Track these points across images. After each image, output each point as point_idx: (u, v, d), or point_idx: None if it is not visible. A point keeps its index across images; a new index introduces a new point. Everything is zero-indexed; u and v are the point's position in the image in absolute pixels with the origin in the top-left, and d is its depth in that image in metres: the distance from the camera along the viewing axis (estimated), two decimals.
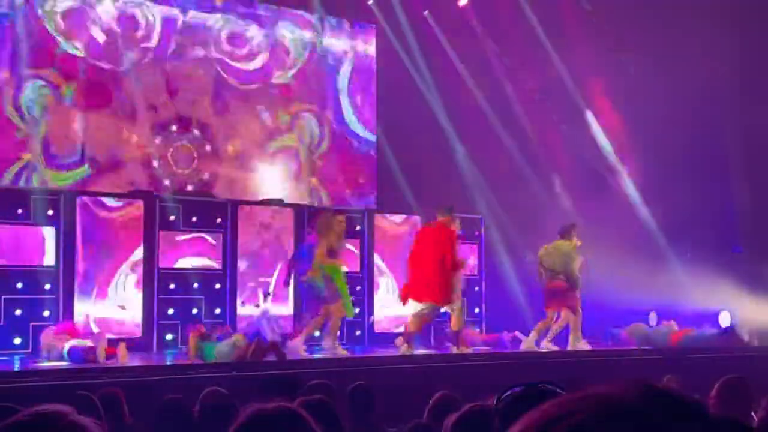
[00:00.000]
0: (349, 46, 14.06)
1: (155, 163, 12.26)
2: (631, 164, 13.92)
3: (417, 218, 12.52)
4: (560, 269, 10.72)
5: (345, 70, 14.01)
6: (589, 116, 14.22)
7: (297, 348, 9.50)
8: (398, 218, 12.68)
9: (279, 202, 11.99)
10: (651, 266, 11.99)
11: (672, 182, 12.95)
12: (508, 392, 1.95)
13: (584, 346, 10.70)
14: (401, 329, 10.79)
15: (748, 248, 13.03)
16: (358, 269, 12.12)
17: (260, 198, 12.30)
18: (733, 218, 13.19)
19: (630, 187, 13.94)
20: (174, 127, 12.46)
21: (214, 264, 11.07)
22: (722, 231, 13.04)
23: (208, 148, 12.72)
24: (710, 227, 12.79)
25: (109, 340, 9.13)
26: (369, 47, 14.21)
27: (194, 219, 11.04)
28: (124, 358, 8.75)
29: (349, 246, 11.62)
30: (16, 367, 8.49)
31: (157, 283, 10.62)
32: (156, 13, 12.44)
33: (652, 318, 12.31)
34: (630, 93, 13.46)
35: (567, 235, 10.87)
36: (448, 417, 2.71)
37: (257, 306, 11.11)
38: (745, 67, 13.03)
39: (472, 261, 12.51)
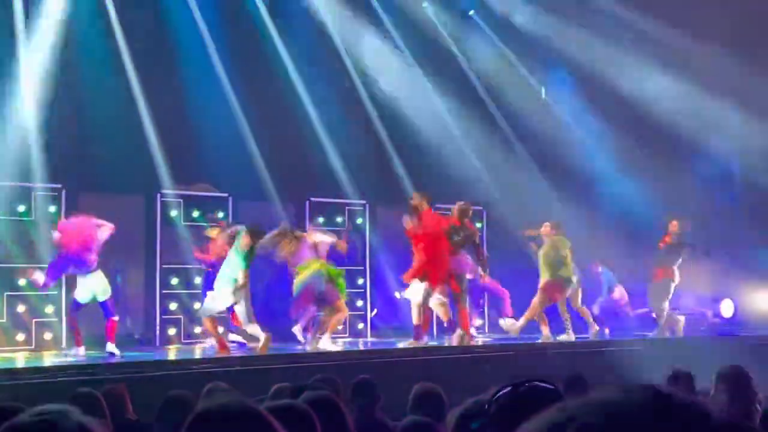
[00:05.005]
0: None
1: None
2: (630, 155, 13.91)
3: None
4: None
5: None
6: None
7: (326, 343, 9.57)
8: None
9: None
10: (651, 254, 11.95)
11: (670, 172, 12.97)
12: (498, 394, 1.91)
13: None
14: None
15: (750, 237, 13.02)
16: (360, 263, 12.08)
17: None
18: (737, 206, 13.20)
19: (629, 179, 13.94)
20: None
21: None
22: (726, 220, 13.02)
23: None
24: (714, 216, 12.77)
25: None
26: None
27: (195, 214, 11.02)
28: None
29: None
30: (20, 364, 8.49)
31: (159, 278, 10.62)
32: None
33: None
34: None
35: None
36: (451, 411, 2.71)
37: None
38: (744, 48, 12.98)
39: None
